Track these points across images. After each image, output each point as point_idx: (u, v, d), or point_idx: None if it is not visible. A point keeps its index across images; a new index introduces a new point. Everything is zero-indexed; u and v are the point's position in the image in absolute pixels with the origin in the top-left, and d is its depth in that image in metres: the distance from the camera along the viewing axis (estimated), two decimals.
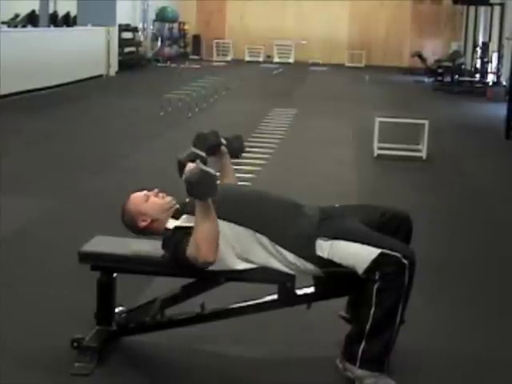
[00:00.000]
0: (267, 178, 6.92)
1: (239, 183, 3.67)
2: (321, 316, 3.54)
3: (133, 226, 3.21)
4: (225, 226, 3.03)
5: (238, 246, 3.05)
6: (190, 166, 2.99)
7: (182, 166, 3.06)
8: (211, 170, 2.89)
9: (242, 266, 3.08)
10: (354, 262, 2.98)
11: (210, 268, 3.01)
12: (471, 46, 21.42)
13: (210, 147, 3.35)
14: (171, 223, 3.14)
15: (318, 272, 3.07)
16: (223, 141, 3.46)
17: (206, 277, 3.18)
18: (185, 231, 3.01)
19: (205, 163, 3.04)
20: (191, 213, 3.03)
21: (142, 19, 22.32)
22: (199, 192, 2.88)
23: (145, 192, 3.25)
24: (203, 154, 3.18)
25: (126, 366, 3.21)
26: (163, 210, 3.18)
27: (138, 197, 3.23)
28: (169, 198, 3.23)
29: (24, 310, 3.75)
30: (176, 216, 3.16)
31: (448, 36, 24.60)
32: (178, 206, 3.22)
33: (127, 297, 3.50)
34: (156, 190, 3.26)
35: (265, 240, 3.05)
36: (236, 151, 3.54)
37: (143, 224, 3.18)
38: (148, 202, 3.20)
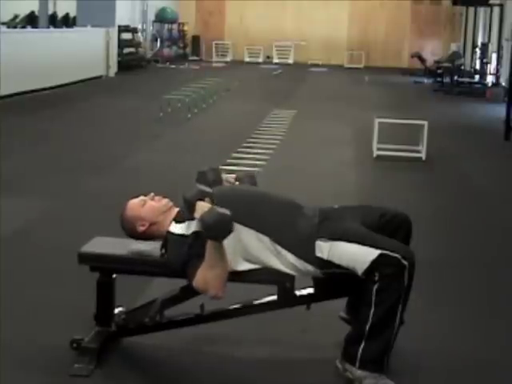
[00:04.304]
0: (267, 179, 6.90)
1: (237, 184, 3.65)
2: (320, 317, 3.54)
3: (132, 232, 3.22)
4: None
5: (239, 245, 3.05)
6: (203, 206, 2.97)
7: (189, 205, 3.03)
8: (227, 211, 2.87)
9: (242, 266, 3.08)
10: (353, 262, 2.98)
11: None
12: (470, 46, 21.45)
13: (213, 183, 3.25)
14: (175, 227, 3.11)
15: (318, 273, 3.07)
16: (230, 179, 3.36)
17: None
18: (197, 252, 2.97)
19: (212, 199, 3.02)
20: (191, 218, 3.02)
21: (142, 20, 22.33)
22: (216, 233, 2.88)
23: (141, 197, 3.26)
24: (209, 190, 3.12)
25: (125, 367, 3.21)
26: (160, 213, 3.18)
27: (134, 203, 3.24)
28: (165, 201, 3.23)
29: (24, 310, 3.75)
30: (179, 220, 3.13)
31: (447, 37, 24.62)
32: (178, 208, 3.21)
33: (126, 298, 3.51)
34: (152, 194, 3.27)
35: (266, 239, 3.05)
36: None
37: (142, 228, 3.19)
38: (145, 206, 3.21)
